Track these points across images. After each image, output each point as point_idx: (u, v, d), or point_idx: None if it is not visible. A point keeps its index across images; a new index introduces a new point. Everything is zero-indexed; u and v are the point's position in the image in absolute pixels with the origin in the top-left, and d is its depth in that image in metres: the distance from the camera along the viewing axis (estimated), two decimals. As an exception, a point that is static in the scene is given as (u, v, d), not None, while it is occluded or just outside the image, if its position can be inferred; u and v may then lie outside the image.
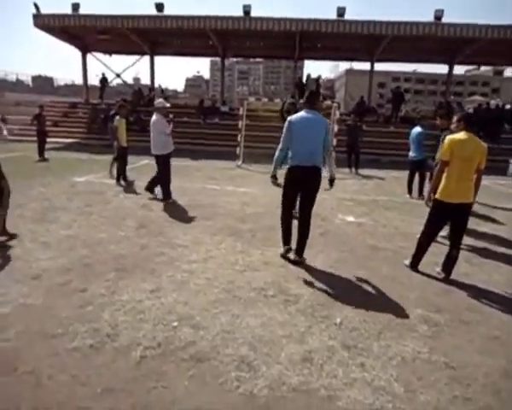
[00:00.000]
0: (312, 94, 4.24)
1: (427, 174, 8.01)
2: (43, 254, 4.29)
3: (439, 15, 15.61)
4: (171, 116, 7.71)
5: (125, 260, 4.20)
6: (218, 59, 22.46)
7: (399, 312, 3.33)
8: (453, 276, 4.11)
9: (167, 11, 16.84)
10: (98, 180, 8.98)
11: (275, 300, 3.43)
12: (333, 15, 16.23)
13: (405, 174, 9.39)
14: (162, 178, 7.19)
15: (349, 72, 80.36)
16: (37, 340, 2.70)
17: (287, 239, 4.43)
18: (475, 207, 6.29)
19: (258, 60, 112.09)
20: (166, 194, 7.14)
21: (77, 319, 2.98)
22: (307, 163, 4.02)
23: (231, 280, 3.79)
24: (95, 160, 12.35)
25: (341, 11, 15.98)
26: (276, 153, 4.26)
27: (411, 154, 8.64)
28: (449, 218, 4.16)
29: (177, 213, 6.32)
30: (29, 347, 2.62)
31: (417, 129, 8.66)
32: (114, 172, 8.80)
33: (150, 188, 7.40)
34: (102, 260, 4.17)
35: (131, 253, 4.44)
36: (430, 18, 15.77)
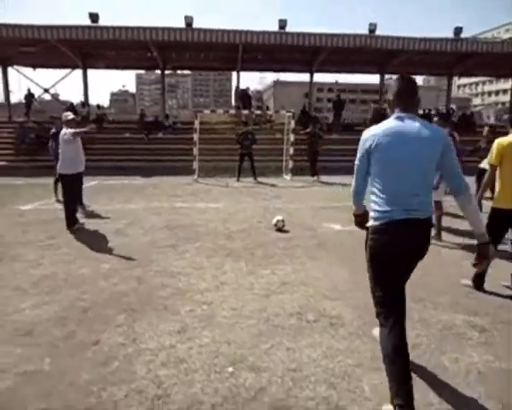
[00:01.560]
0: (410, 88, 2.17)
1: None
2: (23, 302, 3.55)
3: (372, 29, 16.66)
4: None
5: (127, 299, 3.63)
6: (142, 72, 21.64)
7: (444, 319, 3.25)
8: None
9: (102, 22, 15.82)
10: (49, 207, 7.95)
11: (319, 325, 3.15)
12: (274, 28, 16.53)
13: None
14: (66, 199, 6.13)
15: (276, 83, 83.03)
16: (68, 419, 2.12)
17: (402, 388, 2.00)
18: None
19: (185, 72, 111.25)
20: (69, 219, 6.05)
21: (105, 381, 2.42)
22: (415, 213, 2.07)
23: (261, 308, 3.43)
24: (34, 184, 10.99)
25: (282, 23, 16.31)
26: (352, 194, 2.44)
27: None
28: (508, 224, 3.86)
29: (159, 236, 5.75)
30: (63, 430, 2.04)
31: None
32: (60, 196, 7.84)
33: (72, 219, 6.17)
34: (100, 302, 3.55)
35: (130, 289, 3.87)
36: (365, 31, 16.80)
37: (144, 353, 2.74)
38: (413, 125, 2.08)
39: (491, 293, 3.82)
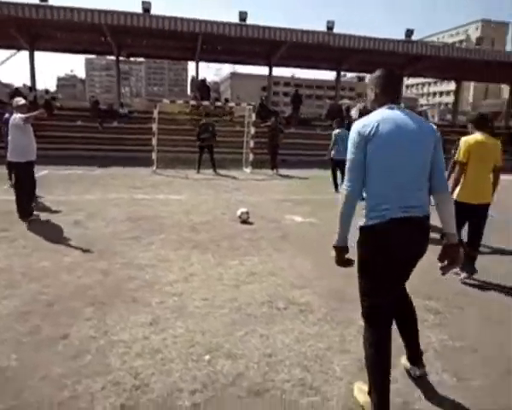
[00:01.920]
0: (396, 81, 2.13)
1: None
2: (-22, 297, 3.34)
3: (330, 26, 17.09)
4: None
5: (93, 292, 3.54)
6: (93, 56, 20.72)
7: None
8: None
9: (54, 1, 14.86)
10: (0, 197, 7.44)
11: (289, 312, 3.27)
12: (235, 20, 16.45)
13: (321, 173, 10.09)
14: (17, 191, 5.85)
15: (234, 75, 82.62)
16: (43, 414, 2.06)
17: (382, 392, 1.99)
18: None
19: (139, 59, 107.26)
20: (23, 210, 5.77)
21: (79, 374, 2.38)
22: (413, 211, 1.94)
23: (232, 298, 3.49)
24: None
25: (243, 16, 16.27)
26: (340, 201, 1.99)
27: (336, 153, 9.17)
28: (468, 219, 4.05)
29: (121, 228, 5.61)
30: (39, 425, 1.99)
31: (342, 130, 9.36)
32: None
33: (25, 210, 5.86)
34: (65, 295, 3.44)
35: (96, 281, 3.76)
36: (323, 28, 17.20)
37: (117, 345, 2.70)
38: (407, 116, 1.99)
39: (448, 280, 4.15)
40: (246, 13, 16.33)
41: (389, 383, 2.02)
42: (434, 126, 2.07)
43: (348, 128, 9.95)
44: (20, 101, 6.00)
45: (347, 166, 2.01)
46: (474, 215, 4.02)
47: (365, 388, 2.18)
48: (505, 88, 34.08)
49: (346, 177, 2.01)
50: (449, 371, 2.54)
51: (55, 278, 3.82)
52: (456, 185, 4.06)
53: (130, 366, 2.47)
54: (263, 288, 3.74)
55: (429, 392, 2.32)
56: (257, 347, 2.72)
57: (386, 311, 2.09)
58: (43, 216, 6.10)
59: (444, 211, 2.05)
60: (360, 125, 1.97)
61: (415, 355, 2.37)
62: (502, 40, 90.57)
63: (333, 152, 9.33)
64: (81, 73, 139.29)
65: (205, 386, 2.31)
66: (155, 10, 15.74)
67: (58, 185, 8.78)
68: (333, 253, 2.10)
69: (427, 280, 3.87)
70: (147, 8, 15.27)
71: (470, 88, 79.55)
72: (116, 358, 2.55)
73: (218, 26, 15.91)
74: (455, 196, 3.99)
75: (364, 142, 1.93)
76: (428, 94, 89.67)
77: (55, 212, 6.40)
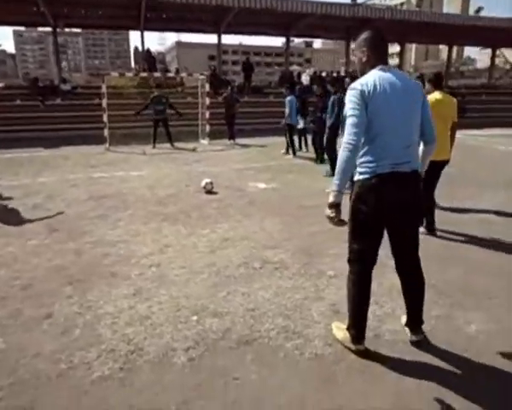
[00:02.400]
0: (384, 41, 2.23)
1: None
2: None
3: (279, -10, 16.91)
4: None
5: (68, 272, 3.52)
6: (22, 29, 19.11)
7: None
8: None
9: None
10: None
11: (266, 270, 3.48)
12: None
13: (276, 140, 10.34)
14: None
15: (179, 44, 79.40)
16: (44, 386, 2.12)
17: (360, 324, 2.31)
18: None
19: (74, 30, 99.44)
20: None
21: (71, 347, 2.44)
22: (403, 167, 2.10)
23: (210, 263, 3.63)
24: None
25: (189, -20, 15.62)
26: (342, 154, 2.06)
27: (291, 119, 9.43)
28: (438, 176, 4.33)
29: (84, 208, 5.48)
30: (42, 395, 2.06)
31: (292, 97, 9.56)
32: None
33: None
34: (39, 278, 3.40)
35: (69, 262, 3.74)
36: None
37: (104, 317, 2.77)
38: (399, 77, 2.11)
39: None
40: (191, -22, 15.69)
41: (366, 317, 2.32)
42: (420, 83, 2.25)
43: (300, 94, 10.29)
44: None
45: (350, 122, 2.05)
46: (434, 171, 4.17)
47: (342, 326, 2.45)
48: (444, 49, 35.72)
49: (349, 132, 2.05)
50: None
51: (24, 262, 3.74)
52: None
53: (121, 334, 2.56)
54: (237, 251, 3.91)
55: (397, 326, 2.63)
56: (240, 303, 2.91)
57: (371, 255, 2.28)
58: (-3, 202, 5.81)
59: (425, 156, 2.38)
60: (359, 86, 2.06)
61: (415, 323, 2.41)
62: (439, 1, 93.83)
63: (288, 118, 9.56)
64: (10, 48, 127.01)
65: (197, 343, 2.46)
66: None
67: (5, 170, 8.26)
68: (328, 211, 2.15)
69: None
70: (83, -26, 14.19)
71: (412, 50, 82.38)
72: (106, 329, 2.63)
73: (163, -9, 15.19)
74: None
75: (364, 101, 2.03)
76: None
77: (9, 198, 6.08)
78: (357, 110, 2.04)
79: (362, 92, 2.04)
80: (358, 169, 2.16)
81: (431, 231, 4.33)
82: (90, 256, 3.86)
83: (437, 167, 4.16)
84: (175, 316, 2.76)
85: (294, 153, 9.81)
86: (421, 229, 4.16)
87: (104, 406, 1.99)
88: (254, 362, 2.30)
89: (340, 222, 2.15)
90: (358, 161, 2.15)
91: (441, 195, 4.91)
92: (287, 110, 9.75)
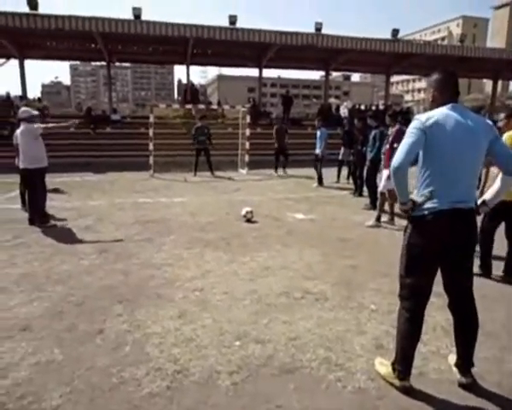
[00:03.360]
0: (455, 81, 2.25)
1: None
2: (10, 300, 3.50)
3: (319, 27, 17.45)
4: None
5: (118, 291, 3.73)
6: (78, 63, 20.66)
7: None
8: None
9: (42, 9, 14.82)
10: (2, 205, 7.53)
11: (306, 301, 3.51)
12: (225, 23, 16.67)
13: (313, 171, 10.58)
14: (35, 197, 6.03)
15: (221, 77, 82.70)
16: (98, 398, 2.26)
17: (408, 360, 2.29)
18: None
19: (124, 64, 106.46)
20: (42, 217, 6.01)
21: (122, 363, 2.58)
22: (461, 204, 2.14)
23: (251, 290, 3.72)
24: None
25: (233, 19, 16.50)
26: (396, 176, 2.17)
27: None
28: (502, 218, 4.06)
29: (131, 231, 5.78)
30: (96, 406, 2.19)
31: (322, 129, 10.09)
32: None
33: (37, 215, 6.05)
34: (92, 296, 3.62)
35: (118, 281, 3.95)
36: (311, 29, 17.54)
37: (152, 337, 2.91)
38: (467, 116, 2.14)
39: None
40: (235, 16, 16.57)
41: (414, 354, 2.30)
42: (491, 123, 2.24)
43: (350, 127, 10.57)
44: (26, 112, 6.15)
45: (402, 143, 2.16)
46: (507, 214, 3.99)
47: (385, 361, 2.44)
48: (488, 82, 34.90)
49: (400, 152, 2.14)
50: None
51: (77, 280, 4.00)
52: (484, 185, 4.09)
53: (168, 354, 2.68)
54: (277, 280, 3.97)
55: (443, 364, 2.58)
56: (282, 332, 2.96)
57: (424, 292, 2.27)
58: (53, 222, 6.24)
59: (497, 186, 2.33)
60: (422, 117, 2.15)
61: (465, 364, 2.35)
62: (482, 35, 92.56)
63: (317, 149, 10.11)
64: (65, 80, 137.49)
65: (240, 368, 2.53)
66: (146, 16, 15.88)
67: (58, 192, 8.88)
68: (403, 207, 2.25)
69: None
70: (137, 15, 15.39)
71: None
72: (153, 348, 2.76)
73: (209, 30, 16.12)
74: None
75: (423, 131, 2.10)
76: (413, 90, 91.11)
77: (63, 219, 6.52)
78: (413, 136, 2.12)
79: (422, 122, 2.12)
80: (414, 199, 2.19)
81: (485, 274, 4.15)
82: (138, 277, 4.06)
83: (506, 209, 3.91)
84: (219, 340, 2.85)
85: (320, 182, 10.24)
86: (476, 270, 3.98)
87: (154, 421, 2.08)
88: (296, 391, 2.33)
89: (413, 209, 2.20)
90: (418, 194, 2.20)
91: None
92: (318, 142, 10.14)
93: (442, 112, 2.15)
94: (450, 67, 2.52)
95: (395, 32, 18.75)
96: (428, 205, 2.15)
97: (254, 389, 2.34)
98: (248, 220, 6.39)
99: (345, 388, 2.36)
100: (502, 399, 2.28)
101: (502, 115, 3.98)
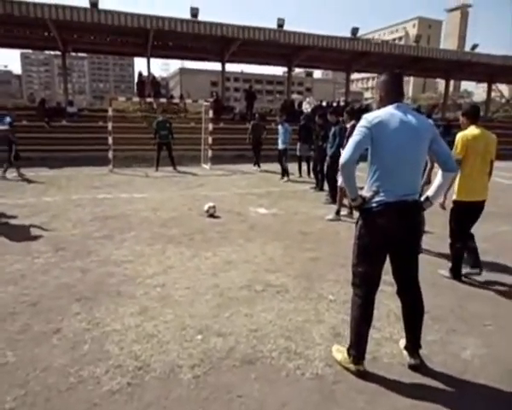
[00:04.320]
0: (400, 82, 2.42)
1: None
2: (-45, 302, 3.31)
3: (281, 23, 17.57)
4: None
5: (75, 289, 3.62)
6: (30, 51, 19.67)
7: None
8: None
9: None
10: None
11: (268, 293, 3.58)
12: (186, 15, 16.40)
13: (277, 166, 10.82)
14: None
15: (183, 70, 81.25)
16: (54, 399, 2.20)
17: (362, 345, 2.43)
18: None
19: (80, 55, 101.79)
20: None
21: (80, 362, 2.52)
22: (406, 197, 2.29)
23: (213, 285, 3.74)
24: None
25: (195, 11, 16.24)
26: (343, 171, 2.34)
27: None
28: (474, 216, 3.94)
29: (89, 228, 5.61)
30: (53, 407, 2.13)
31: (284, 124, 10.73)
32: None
33: None
34: (47, 295, 3.49)
35: (76, 279, 3.84)
36: (274, 25, 17.64)
37: (112, 334, 2.86)
38: (410, 115, 2.29)
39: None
40: (197, 9, 16.33)
41: (367, 338, 2.44)
42: (431, 122, 2.40)
43: (307, 122, 10.71)
44: None
45: (353, 140, 2.28)
46: (471, 213, 3.92)
47: (342, 348, 2.56)
48: (441, 82, 36.69)
49: (347, 149, 2.28)
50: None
51: (32, 279, 3.83)
52: (452, 182, 3.77)
53: (128, 351, 2.65)
54: (240, 274, 4.02)
55: (394, 349, 2.74)
56: (243, 324, 3.01)
57: (374, 281, 2.42)
58: (3, 220, 5.93)
59: (443, 184, 2.43)
60: (368, 116, 2.29)
61: (413, 347, 2.51)
62: (436, 36, 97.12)
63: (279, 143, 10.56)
64: (16, 69, 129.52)
65: (202, 361, 2.56)
66: (103, 4, 15.30)
67: (11, 188, 8.43)
68: (354, 203, 2.40)
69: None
70: (94, 3, 14.76)
71: (410, 82, 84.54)
72: (113, 345, 2.72)
73: (170, 21, 15.78)
74: (454, 196, 3.91)
75: (368, 128, 2.25)
76: (373, 88, 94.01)
77: (15, 216, 6.21)
78: (359, 134, 2.27)
79: (368, 121, 2.27)
80: (364, 194, 2.34)
81: (456, 277, 4.02)
82: (97, 275, 3.96)
83: (477, 209, 3.90)
84: (180, 335, 2.85)
85: (284, 174, 10.58)
86: (446, 273, 4.08)
87: (114, 418, 2.07)
88: (257, 381, 2.39)
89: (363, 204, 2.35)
90: (368, 189, 2.35)
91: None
92: (281, 137, 10.57)
93: (387, 111, 2.29)
94: (395, 70, 2.64)
95: (355, 30, 19.25)
96: (376, 198, 2.30)
97: (216, 380, 2.38)
98: (211, 215, 6.38)
99: (303, 375, 2.45)
100: (445, 376, 2.46)
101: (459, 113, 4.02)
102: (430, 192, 2.46)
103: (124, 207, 6.97)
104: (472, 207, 3.86)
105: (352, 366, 2.44)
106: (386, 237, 2.32)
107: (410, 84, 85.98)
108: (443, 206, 3.94)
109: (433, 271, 4.23)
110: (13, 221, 5.89)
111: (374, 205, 2.30)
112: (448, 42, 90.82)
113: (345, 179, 2.38)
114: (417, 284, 2.48)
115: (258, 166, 12.67)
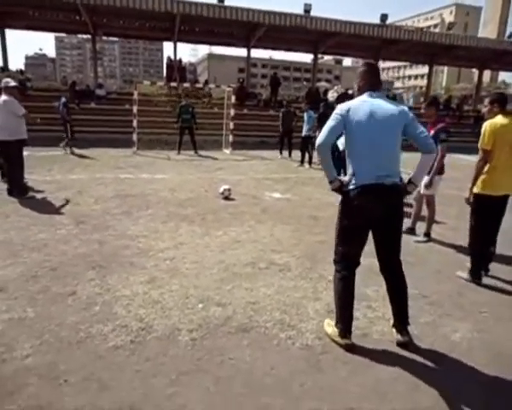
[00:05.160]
0: (375, 72, 2.58)
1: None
2: (-15, 264, 3.64)
3: (307, 9, 17.35)
4: None
5: (92, 258, 3.89)
6: (63, 35, 20.15)
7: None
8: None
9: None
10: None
11: (270, 271, 3.74)
12: (214, 0, 16.46)
13: (297, 153, 10.86)
14: (13, 169, 6.15)
15: (211, 56, 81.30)
16: (65, 350, 2.45)
17: (346, 319, 2.56)
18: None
19: (112, 38, 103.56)
20: (20, 189, 6.10)
21: (91, 321, 2.77)
22: (383, 179, 2.37)
23: (219, 260, 3.93)
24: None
25: (222, -4, 16.30)
26: (319, 153, 2.47)
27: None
28: (496, 212, 3.69)
29: (110, 204, 5.91)
30: (63, 356, 2.38)
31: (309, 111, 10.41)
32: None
33: (15, 186, 6.13)
34: (66, 262, 3.78)
35: (93, 250, 4.11)
36: (300, 11, 17.45)
37: (121, 299, 3.10)
38: (382, 102, 2.42)
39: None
40: (224, -6, 16.37)
41: (352, 314, 2.56)
42: (406, 108, 2.48)
43: (325, 110, 10.70)
44: (7, 82, 6.13)
45: (327, 125, 2.43)
46: (493, 209, 3.65)
47: (332, 322, 2.68)
48: (477, 72, 35.22)
49: (323, 133, 2.43)
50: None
51: (53, 248, 4.14)
52: (479, 175, 3.57)
53: (134, 314, 2.88)
54: (246, 252, 4.19)
55: (386, 327, 2.84)
56: (243, 297, 3.18)
57: (354, 258, 2.58)
58: (32, 194, 6.31)
59: (423, 164, 2.49)
60: (342, 107, 2.46)
61: (401, 325, 2.60)
62: (475, 24, 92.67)
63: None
64: (51, 52, 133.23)
65: (200, 326, 2.75)
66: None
67: (41, 165, 8.89)
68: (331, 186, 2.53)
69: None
70: (124, -13, 15.03)
71: (444, 72, 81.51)
72: (121, 308, 2.95)
73: (196, 6, 15.89)
74: (475, 189, 3.62)
75: (341, 115, 2.41)
76: (404, 77, 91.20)
77: (42, 191, 6.59)
78: (334, 120, 2.43)
79: (341, 109, 2.44)
80: (345, 179, 2.49)
81: (475, 279, 3.70)
82: (112, 247, 4.22)
83: (499, 204, 3.65)
84: (183, 303, 3.06)
85: (311, 162, 10.69)
86: (465, 275, 3.77)
87: (114, 367, 2.29)
88: (249, 347, 2.56)
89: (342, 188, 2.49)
90: (347, 173, 2.49)
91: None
92: (306, 125, 10.60)
93: (360, 99, 2.46)
94: (372, 61, 2.78)
95: (384, 16, 18.77)
96: (353, 181, 2.44)
97: (211, 344, 2.57)
98: (226, 198, 6.56)
99: (293, 344, 2.60)
100: (431, 355, 2.56)
101: (486, 101, 3.74)
102: (412, 175, 2.52)
103: (143, 186, 7.25)
104: (494, 202, 3.60)
105: (339, 340, 2.57)
106: (365, 218, 2.45)
107: (444, 74, 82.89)
108: (468, 201, 3.71)
109: (439, 260, 4.27)
110: (40, 195, 6.26)
111: (351, 188, 2.43)
112: (487, 29, 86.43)
113: (321, 161, 2.51)
114: (399, 263, 2.60)
115: (290, 155, 12.29)
